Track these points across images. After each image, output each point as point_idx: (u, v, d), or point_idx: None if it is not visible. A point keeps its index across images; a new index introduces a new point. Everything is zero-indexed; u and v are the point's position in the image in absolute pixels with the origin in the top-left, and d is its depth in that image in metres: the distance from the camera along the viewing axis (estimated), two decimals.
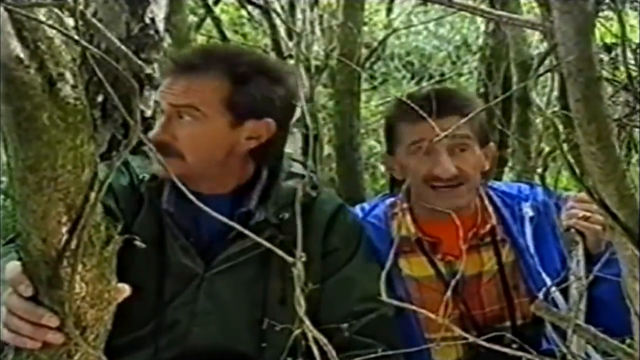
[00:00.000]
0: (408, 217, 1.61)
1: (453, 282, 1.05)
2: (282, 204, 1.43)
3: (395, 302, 1.12)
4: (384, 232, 1.61)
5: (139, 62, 2.10)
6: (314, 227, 1.45)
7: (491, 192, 1.65)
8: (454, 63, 6.27)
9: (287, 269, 1.38)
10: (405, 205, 1.62)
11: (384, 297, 0.80)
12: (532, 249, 1.57)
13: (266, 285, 1.41)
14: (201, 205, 0.82)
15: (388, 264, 0.84)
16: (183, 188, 0.85)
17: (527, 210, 1.61)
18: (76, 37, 0.79)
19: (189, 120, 1.37)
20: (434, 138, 1.46)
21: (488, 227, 1.59)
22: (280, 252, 0.76)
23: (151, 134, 1.40)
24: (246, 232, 0.82)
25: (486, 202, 1.62)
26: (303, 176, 1.49)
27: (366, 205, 1.72)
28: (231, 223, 0.83)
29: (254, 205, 1.43)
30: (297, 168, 1.52)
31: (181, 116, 1.37)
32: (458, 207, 1.51)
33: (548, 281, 1.50)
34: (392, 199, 1.68)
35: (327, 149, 4.16)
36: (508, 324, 1.58)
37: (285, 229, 1.40)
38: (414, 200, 1.62)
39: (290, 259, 0.76)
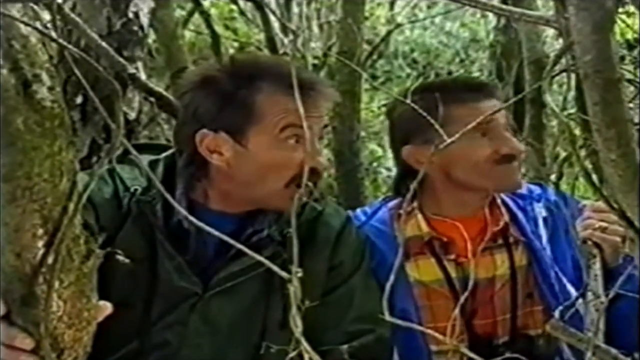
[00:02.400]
0: (419, 216, 1.62)
1: (466, 293, 1.04)
2: (286, 220, 1.43)
3: (398, 321, 1.12)
4: (389, 235, 1.62)
5: (122, 60, 2.10)
6: (321, 242, 1.48)
7: (502, 194, 1.66)
8: (462, 61, 6.29)
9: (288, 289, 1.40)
10: (415, 203, 1.64)
11: (386, 314, 0.79)
12: (548, 251, 1.59)
13: (266, 308, 1.42)
14: (193, 219, 0.81)
15: (394, 270, 0.83)
16: (175, 204, 0.85)
17: (540, 211, 1.63)
18: (53, 35, 0.79)
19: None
20: (497, 119, 1.55)
21: (501, 224, 1.60)
22: (275, 268, 0.75)
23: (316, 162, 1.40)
24: (244, 248, 0.81)
25: (498, 201, 1.65)
26: (308, 188, 1.49)
27: (368, 209, 1.73)
28: (226, 238, 0.82)
29: (268, 224, 1.42)
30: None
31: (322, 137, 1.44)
32: (519, 185, 1.61)
33: (569, 288, 1.52)
34: (394, 202, 1.69)
35: (326, 154, 4.16)
36: (507, 338, 1.59)
37: (289, 246, 1.40)
38: (427, 197, 1.63)
39: (286, 275, 0.75)
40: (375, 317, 1.45)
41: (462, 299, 0.99)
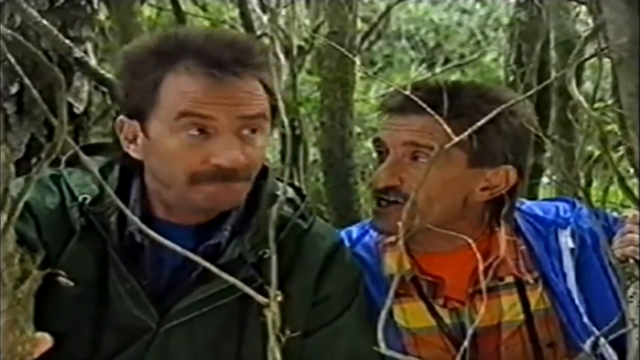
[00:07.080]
0: (402, 250, 1.55)
1: (463, 347, 1.00)
2: (262, 238, 1.41)
3: None
4: (375, 268, 1.60)
5: (67, 41, 2.10)
6: (306, 267, 1.47)
7: (517, 217, 1.61)
8: (477, 43, 6.31)
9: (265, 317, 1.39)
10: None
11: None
12: (574, 293, 1.54)
13: (239, 344, 1.42)
14: (150, 230, 0.81)
15: (383, 313, 0.82)
16: (132, 216, 0.85)
17: (567, 241, 1.58)
18: None
19: None
20: (390, 142, 1.53)
21: (496, 263, 1.53)
22: (251, 292, 0.75)
23: None
24: (214, 269, 0.80)
25: (501, 232, 1.56)
26: (292, 202, 1.49)
27: (354, 230, 1.68)
28: (197, 259, 0.81)
29: (226, 238, 1.41)
30: (284, 190, 1.51)
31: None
32: (387, 231, 1.55)
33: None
34: None
35: (313, 154, 4.16)
36: None
37: (266, 270, 1.39)
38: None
39: (263, 299, 0.75)
40: None
41: (459, 354, 0.95)
